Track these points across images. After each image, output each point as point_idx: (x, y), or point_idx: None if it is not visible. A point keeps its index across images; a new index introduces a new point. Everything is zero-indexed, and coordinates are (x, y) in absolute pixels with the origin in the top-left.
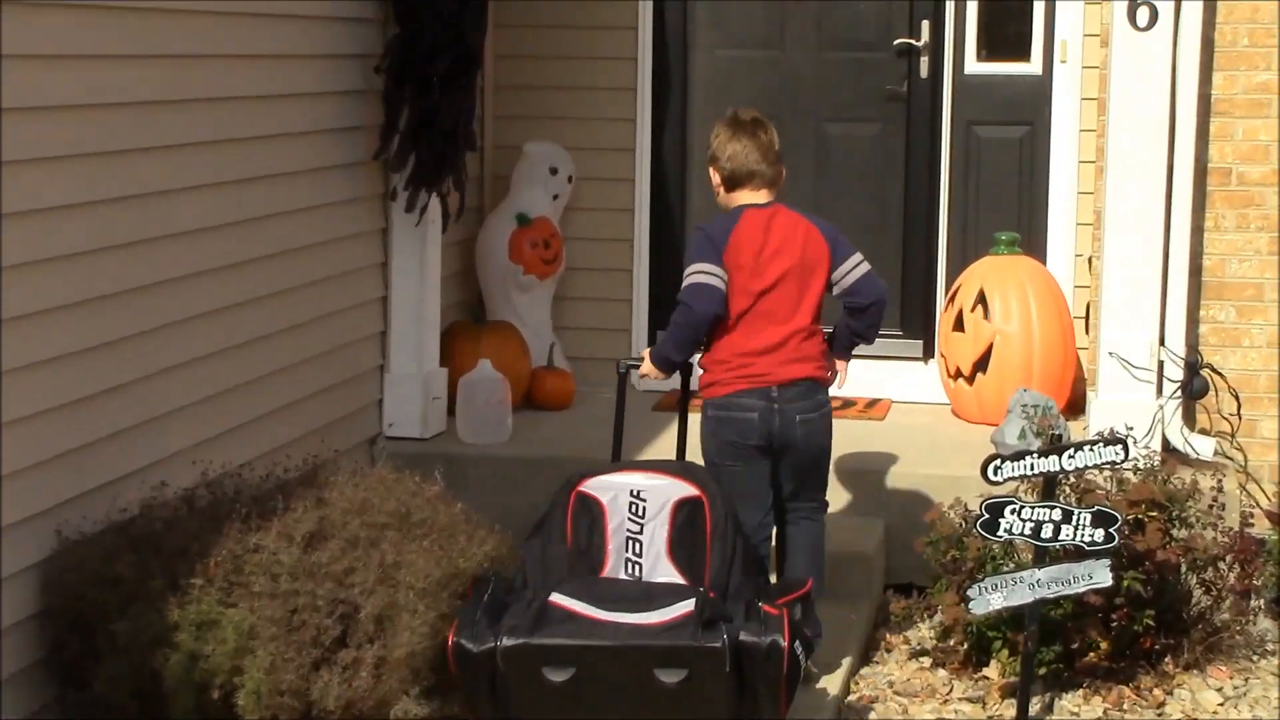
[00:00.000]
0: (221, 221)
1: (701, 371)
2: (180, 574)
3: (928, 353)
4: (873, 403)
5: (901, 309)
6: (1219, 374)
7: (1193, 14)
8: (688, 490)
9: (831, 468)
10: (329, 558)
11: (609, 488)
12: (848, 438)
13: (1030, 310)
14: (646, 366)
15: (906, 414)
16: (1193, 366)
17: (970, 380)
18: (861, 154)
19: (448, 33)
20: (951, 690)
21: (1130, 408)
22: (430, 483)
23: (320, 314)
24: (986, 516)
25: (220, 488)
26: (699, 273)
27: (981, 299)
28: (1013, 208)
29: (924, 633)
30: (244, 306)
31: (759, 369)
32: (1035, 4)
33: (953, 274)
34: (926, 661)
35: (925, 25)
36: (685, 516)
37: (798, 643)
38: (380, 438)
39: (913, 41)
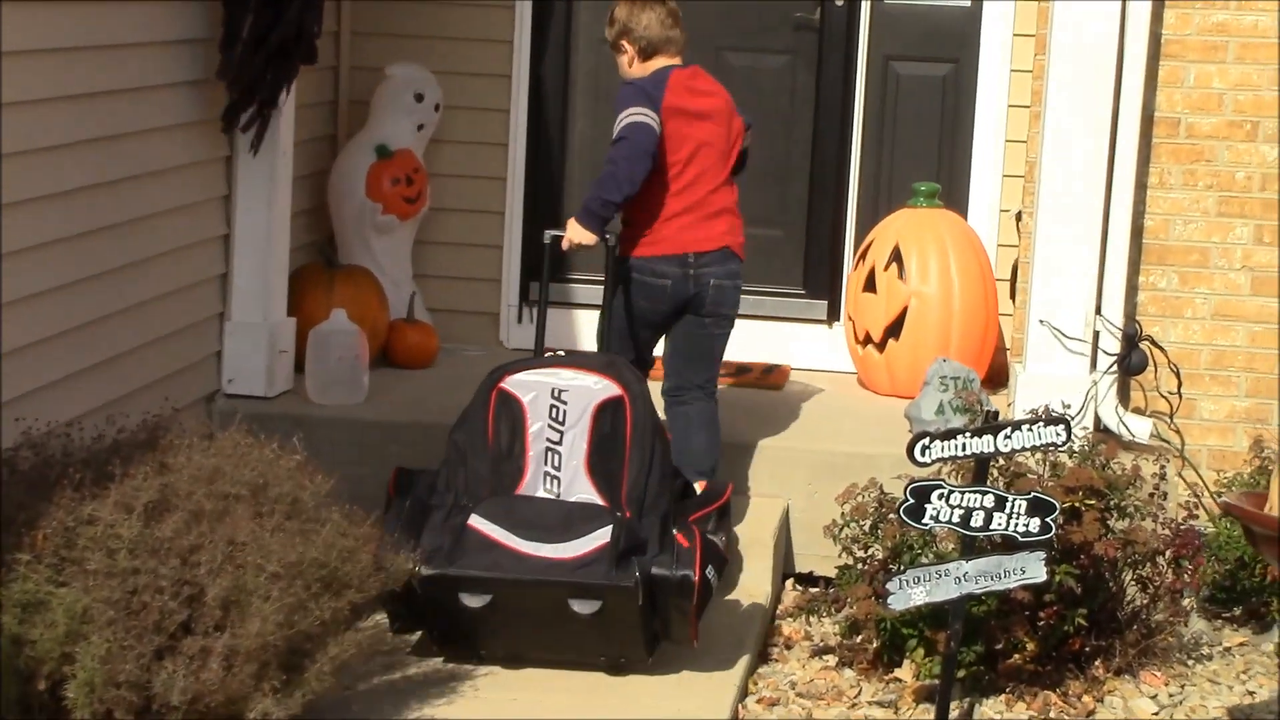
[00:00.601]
0: (36, 145)
1: (620, 228)
2: (3, 548)
3: (833, 315)
4: (770, 369)
5: (805, 265)
6: (1159, 347)
7: None
8: (611, 390)
9: (724, 440)
10: (173, 531)
11: (530, 386)
12: (743, 408)
13: (950, 271)
14: (573, 230)
15: (808, 383)
16: (1131, 339)
17: (881, 347)
18: (765, 89)
19: None
20: (860, 693)
21: (1061, 382)
22: (290, 451)
23: (154, 252)
24: (911, 501)
25: (46, 449)
26: (637, 114)
27: (896, 257)
28: (933, 155)
29: (828, 628)
30: (68, 242)
31: (681, 232)
32: None
33: (864, 228)
34: (831, 660)
35: None
36: (606, 422)
37: (709, 568)
38: (218, 395)
39: None
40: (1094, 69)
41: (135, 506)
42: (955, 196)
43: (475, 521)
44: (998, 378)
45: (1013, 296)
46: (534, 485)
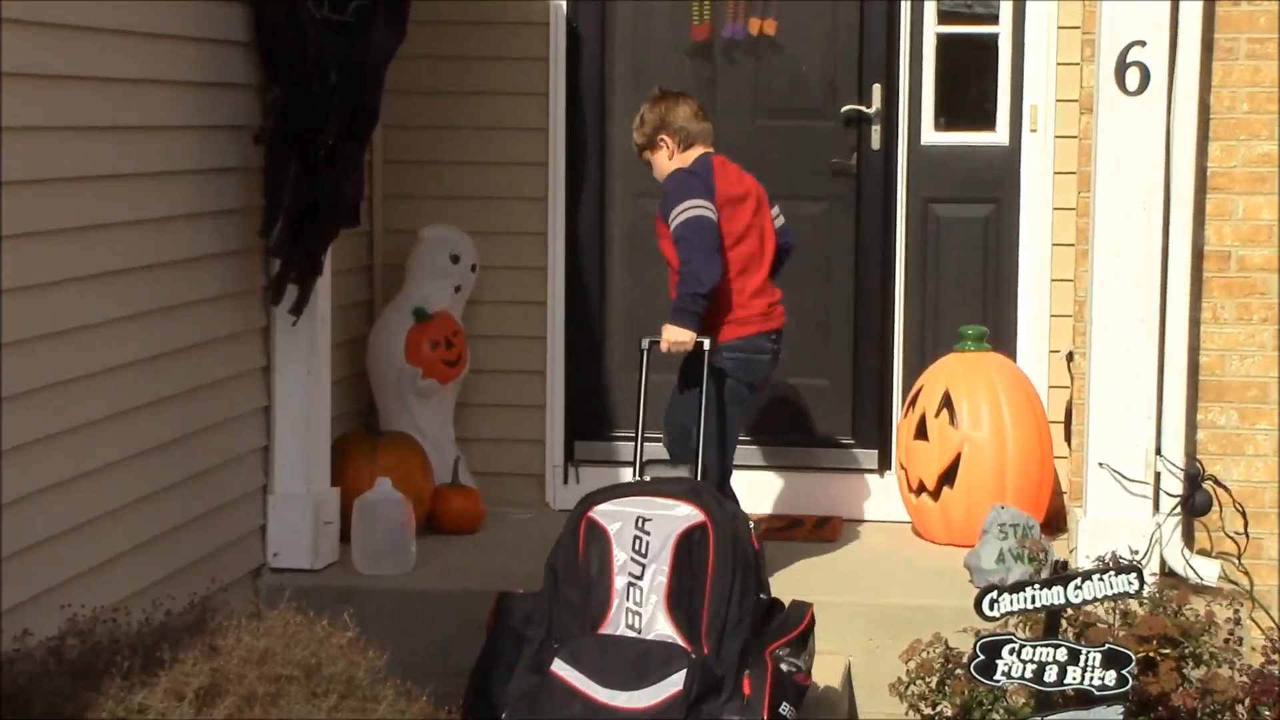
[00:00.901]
0: (79, 323)
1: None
2: None
3: (884, 464)
4: (823, 521)
5: (853, 414)
6: (1222, 486)
7: (1188, 75)
8: (694, 517)
9: (779, 595)
10: (226, 717)
11: (616, 516)
12: (797, 562)
13: (1003, 415)
14: (671, 332)
15: (862, 534)
16: (1194, 479)
17: (935, 495)
18: (804, 236)
19: (339, 94)
20: None
21: (1124, 526)
22: (340, 627)
23: (196, 427)
24: (981, 657)
25: (93, 635)
26: (696, 207)
27: (947, 403)
28: (977, 297)
29: None
30: (111, 421)
31: (764, 309)
32: (1000, 65)
33: (910, 374)
34: None
35: (876, 90)
36: (687, 552)
37: (784, 705)
38: (264, 569)
39: (862, 108)
40: (1141, 205)
41: (186, 693)
42: (1003, 338)
43: (558, 668)
44: (1055, 521)
45: (1068, 439)
46: (617, 620)
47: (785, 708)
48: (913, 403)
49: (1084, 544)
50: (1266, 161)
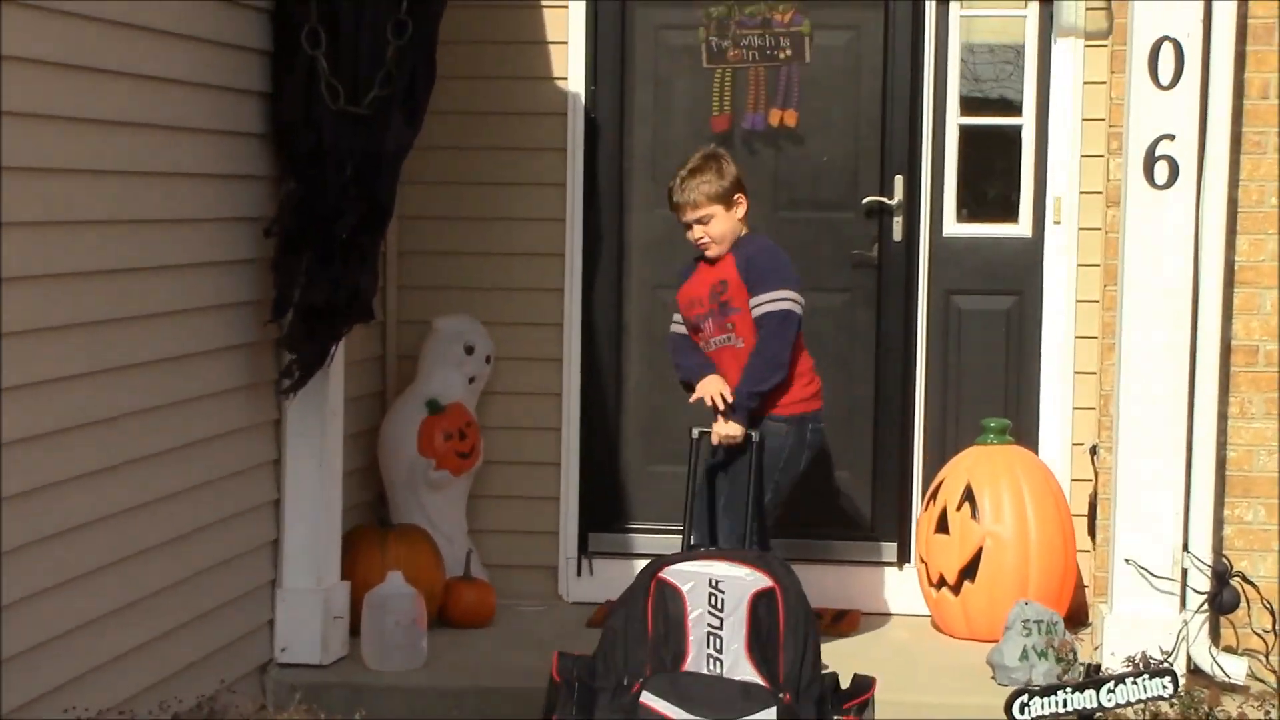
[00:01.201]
0: (92, 418)
1: (787, 387)
2: None
3: (903, 557)
4: (841, 615)
5: (873, 506)
6: (1250, 584)
7: (1218, 168)
8: (763, 582)
9: None
10: None
11: (689, 576)
12: None
13: (1025, 509)
14: (727, 429)
15: (881, 628)
16: (1221, 575)
17: (956, 590)
18: (825, 328)
19: (355, 186)
20: None
21: (1151, 623)
22: None
23: (205, 522)
24: None
25: None
26: (793, 301)
27: (969, 496)
28: (999, 389)
29: None
30: (121, 516)
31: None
32: (1023, 157)
33: (931, 466)
34: None
35: (898, 181)
36: (762, 611)
37: None
38: (272, 665)
39: (884, 200)
40: (1169, 299)
41: None
42: (1025, 431)
43: (647, 699)
44: (1077, 616)
45: (1091, 533)
46: (697, 665)
47: None
48: (934, 496)
49: (1110, 641)
50: None
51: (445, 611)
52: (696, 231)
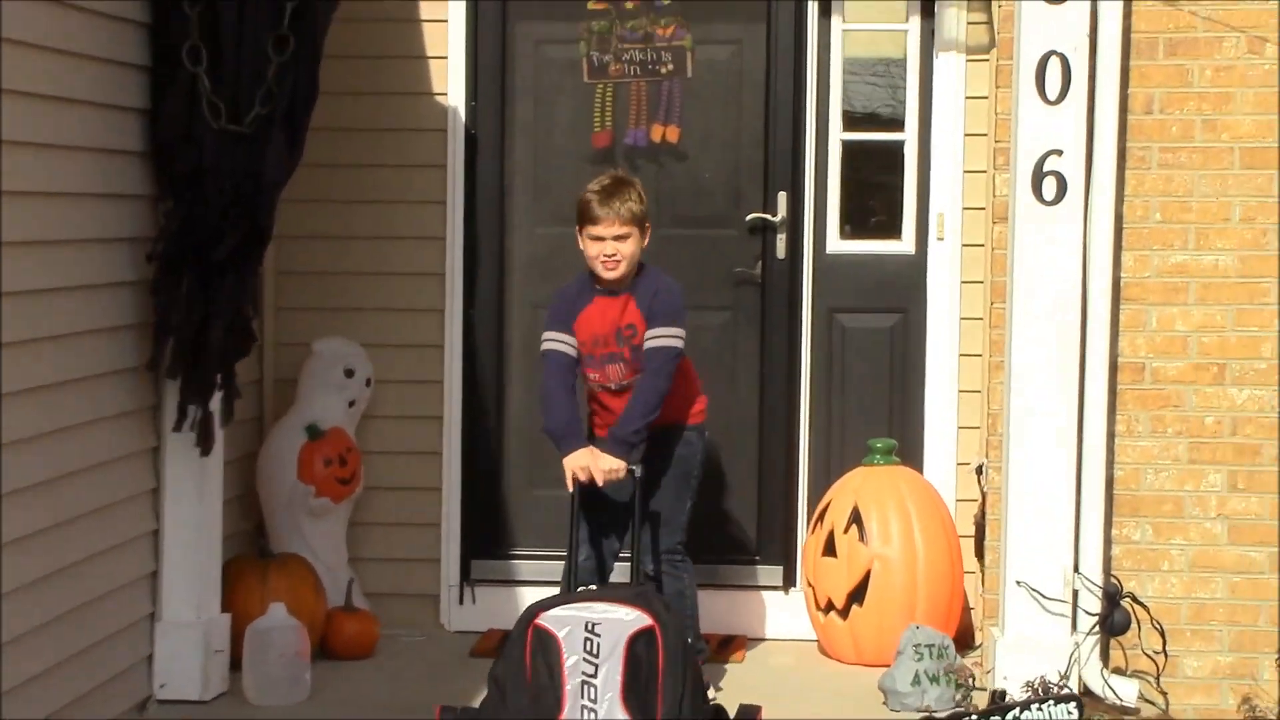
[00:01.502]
0: None
1: (687, 398)
2: None
3: (789, 581)
4: (726, 641)
5: (758, 530)
6: (1141, 604)
7: (1105, 184)
8: (643, 621)
9: None
10: None
11: (565, 621)
12: None
13: (913, 531)
14: (608, 463)
15: (768, 654)
16: (1112, 597)
17: (844, 614)
18: (709, 347)
19: (235, 209)
20: None
21: (1042, 646)
22: None
23: (80, 556)
24: None
25: None
26: (682, 339)
27: (856, 518)
28: (883, 409)
29: None
30: None
31: None
32: (906, 173)
33: (816, 488)
34: None
35: (782, 198)
36: (638, 652)
37: None
38: (151, 701)
39: (768, 217)
40: (1058, 316)
41: None
42: (909, 450)
43: None
44: (964, 639)
45: (978, 554)
46: (573, 716)
47: None
48: (820, 518)
49: (1002, 664)
50: (1180, 272)
51: (327, 643)
52: (610, 248)
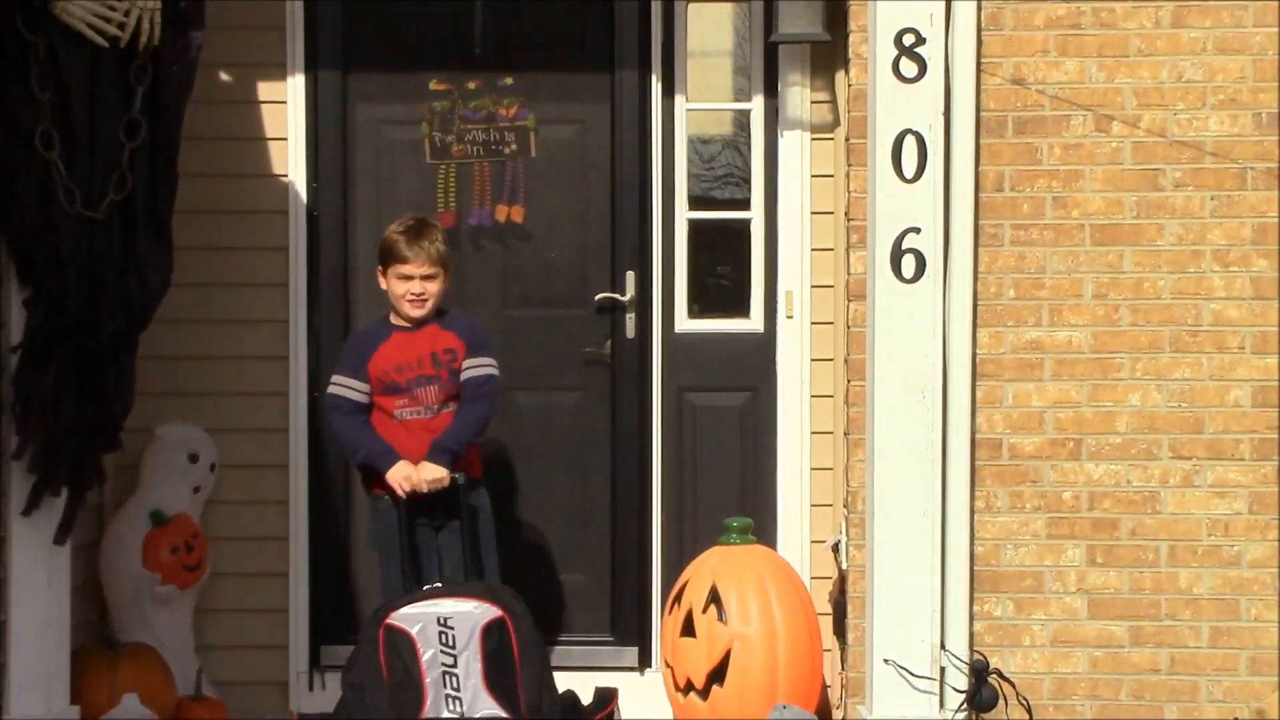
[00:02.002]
0: None
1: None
2: None
3: (644, 661)
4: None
5: (611, 610)
6: (1007, 680)
7: (963, 261)
8: (492, 613)
9: None
10: None
11: (416, 618)
12: None
13: (773, 610)
14: (431, 472)
15: None
16: (980, 673)
17: (704, 694)
18: (560, 427)
19: (104, 297)
20: None
21: None
22: None
23: None
24: None
25: None
26: (496, 368)
27: (715, 598)
28: (735, 487)
29: None
30: None
31: None
32: (753, 251)
33: (671, 566)
34: None
35: (630, 277)
36: (494, 642)
37: None
38: None
39: (617, 296)
40: (920, 393)
41: None
42: (763, 528)
43: None
44: (823, 716)
45: (837, 632)
46: (436, 708)
47: None
48: (678, 598)
49: None
50: (1035, 348)
51: None
52: (418, 286)
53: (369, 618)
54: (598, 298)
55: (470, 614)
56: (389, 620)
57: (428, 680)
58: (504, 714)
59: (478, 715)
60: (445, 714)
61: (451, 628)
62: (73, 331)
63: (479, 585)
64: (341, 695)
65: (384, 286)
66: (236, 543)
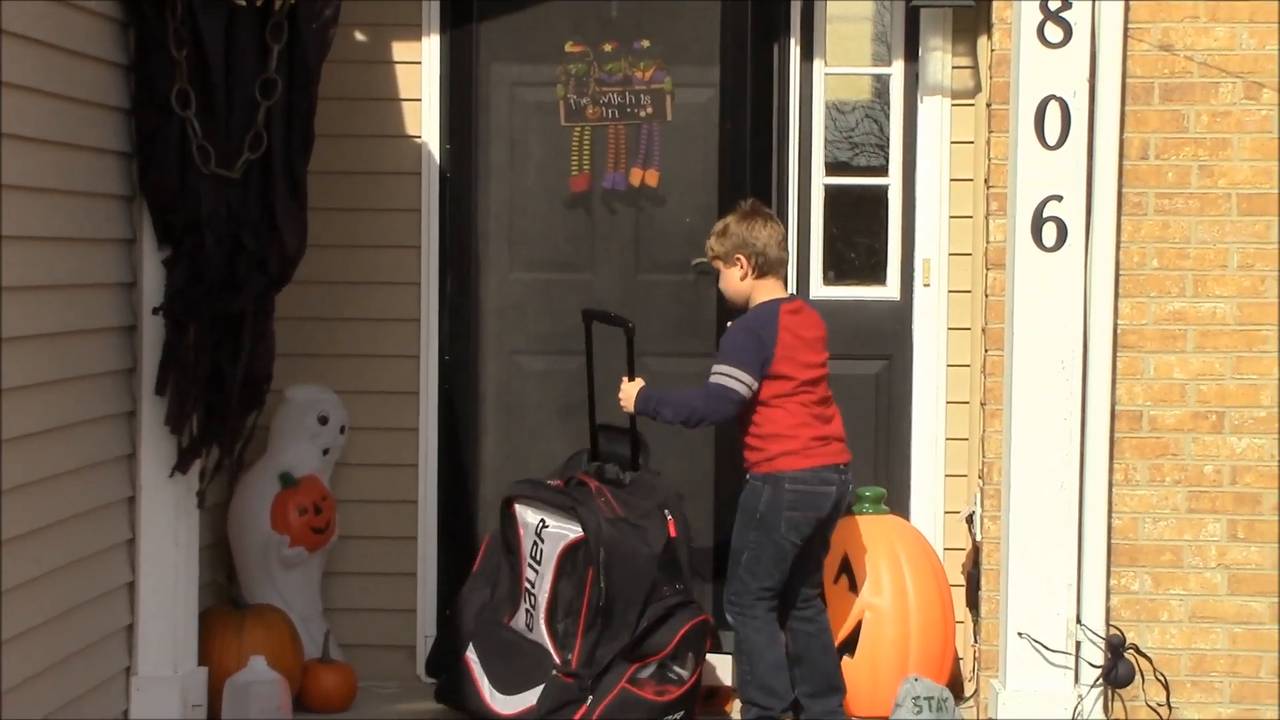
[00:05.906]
0: None
1: (753, 449)
2: None
3: None
4: (713, 693)
5: None
6: (1144, 655)
7: (1105, 230)
8: (575, 532)
9: None
10: None
11: (527, 521)
12: None
13: (905, 580)
14: (630, 389)
15: None
16: (1116, 648)
17: None
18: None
19: (241, 258)
20: None
21: (1045, 699)
22: None
23: (55, 612)
24: None
25: None
26: (732, 378)
27: (846, 568)
28: (869, 456)
29: None
30: None
31: (833, 447)
32: (890, 218)
33: None
34: None
35: None
36: (569, 565)
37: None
38: None
39: None
40: (1060, 364)
41: None
42: (896, 498)
43: (469, 656)
44: (954, 690)
45: (970, 604)
46: (519, 613)
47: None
48: None
49: (1003, 716)
50: (1178, 319)
51: (303, 696)
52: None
53: (506, 492)
54: None
55: (558, 532)
56: (514, 506)
57: (525, 578)
58: (550, 647)
59: (533, 638)
60: (522, 620)
61: (544, 540)
62: (213, 293)
63: (579, 496)
64: (491, 540)
65: (725, 269)
66: (365, 506)
